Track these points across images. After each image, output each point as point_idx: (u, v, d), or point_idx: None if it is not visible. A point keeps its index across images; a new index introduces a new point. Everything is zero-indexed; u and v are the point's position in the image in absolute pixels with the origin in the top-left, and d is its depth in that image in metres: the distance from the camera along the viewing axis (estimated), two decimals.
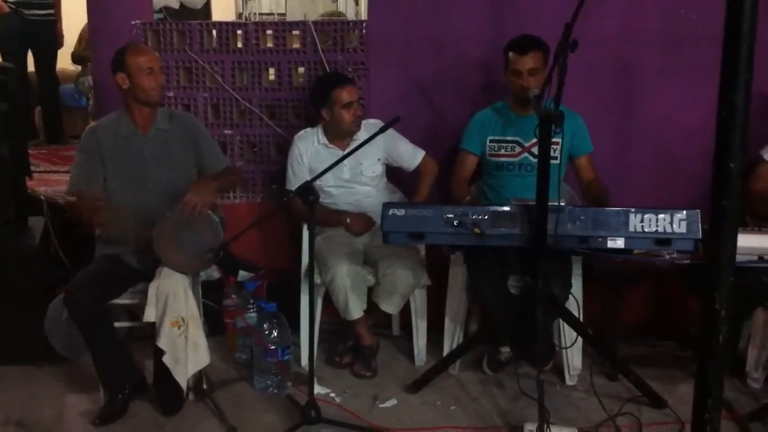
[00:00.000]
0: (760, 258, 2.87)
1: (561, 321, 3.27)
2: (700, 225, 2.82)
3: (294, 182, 3.51)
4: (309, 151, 3.62)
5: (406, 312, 3.61)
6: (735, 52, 1.49)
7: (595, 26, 3.46)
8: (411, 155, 3.65)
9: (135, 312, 3.32)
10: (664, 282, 3.70)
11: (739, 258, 2.78)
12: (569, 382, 3.40)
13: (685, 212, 2.85)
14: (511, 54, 3.37)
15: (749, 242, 2.89)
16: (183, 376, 3.06)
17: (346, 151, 3.24)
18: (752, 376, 3.32)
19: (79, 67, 6.55)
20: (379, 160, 3.63)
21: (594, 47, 3.43)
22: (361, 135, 3.51)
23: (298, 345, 3.51)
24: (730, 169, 1.54)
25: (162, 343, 3.02)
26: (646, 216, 2.91)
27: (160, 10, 4.03)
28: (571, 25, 2.75)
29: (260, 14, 4.44)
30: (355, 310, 3.37)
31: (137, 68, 3.16)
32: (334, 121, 3.54)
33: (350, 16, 4.39)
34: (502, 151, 3.52)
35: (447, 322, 3.53)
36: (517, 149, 3.50)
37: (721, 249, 1.57)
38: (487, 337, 3.49)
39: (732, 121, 1.52)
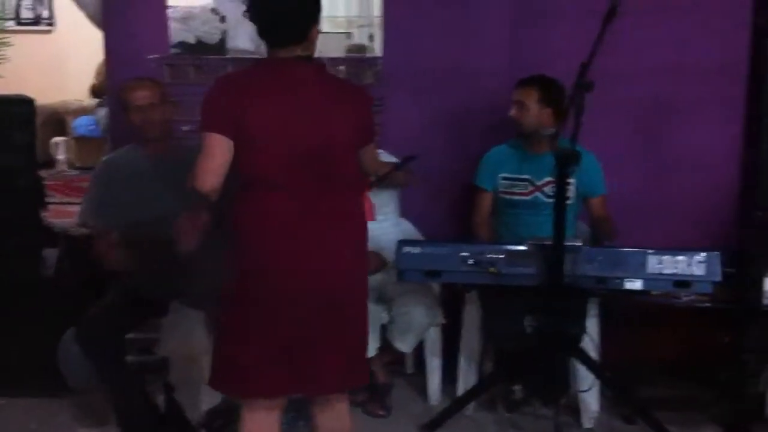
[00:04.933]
0: None
1: (577, 362, 3.22)
2: (719, 267, 2.77)
3: None
4: None
5: (420, 350, 3.57)
6: (759, 94, 1.47)
7: (615, 62, 3.44)
8: None
9: (147, 346, 3.30)
10: (684, 323, 3.65)
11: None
12: (586, 424, 3.34)
13: (704, 254, 2.81)
14: (514, 90, 3.44)
15: None
16: (195, 412, 3.03)
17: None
18: None
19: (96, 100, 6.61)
20: (390, 195, 3.61)
21: (615, 83, 3.41)
22: None
23: None
24: (757, 216, 1.50)
25: (174, 378, 2.99)
26: (665, 257, 2.90)
27: (177, 45, 4.04)
28: (587, 65, 2.75)
29: None
30: (369, 348, 3.32)
31: (129, 105, 3.18)
32: None
33: (369, 52, 4.39)
34: (515, 189, 3.50)
35: (461, 360, 3.49)
36: (530, 188, 3.48)
37: (749, 298, 1.54)
38: (503, 377, 3.44)
39: (758, 167, 1.49)
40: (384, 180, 3.08)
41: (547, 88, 3.36)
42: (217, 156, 2.32)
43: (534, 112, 3.36)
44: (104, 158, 3.49)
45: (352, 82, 2.54)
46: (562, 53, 3.40)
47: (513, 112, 3.40)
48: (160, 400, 3.16)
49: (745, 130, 1.50)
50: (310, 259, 2.37)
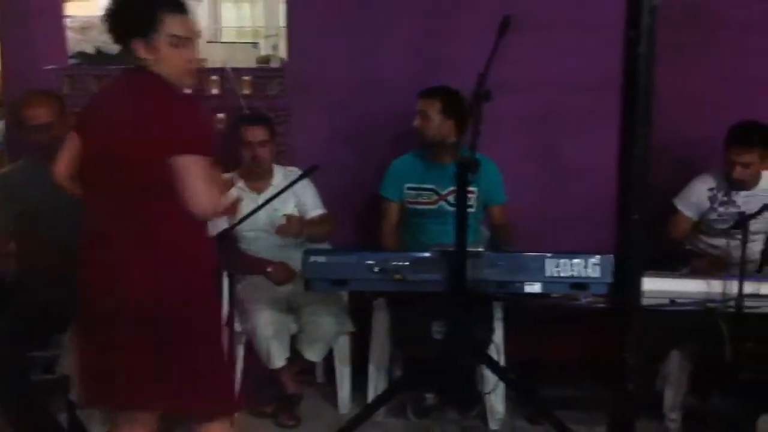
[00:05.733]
0: (672, 301, 2.95)
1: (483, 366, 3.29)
2: (612, 269, 2.88)
3: (212, 229, 3.46)
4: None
5: (330, 359, 3.58)
6: (633, 105, 1.54)
7: (514, 74, 3.54)
8: (312, 207, 3.65)
9: (48, 364, 3.21)
10: (583, 324, 3.77)
11: (652, 301, 2.96)
12: (492, 426, 3.40)
13: (598, 257, 2.94)
14: (418, 102, 3.50)
15: (661, 286, 2.98)
16: (98, 429, 2.96)
17: (264, 198, 3.24)
18: (670, 418, 3.38)
19: None
20: (296, 207, 3.62)
21: (514, 95, 3.50)
22: (279, 181, 3.50)
23: None
24: (633, 220, 1.58)
25: (75, 395, 2.92)
26: (562, 261, 2.99)
27: (75, 55, 3.96)
28: (483, 76, 2.83)
29: None
30: (278, 358, 3.34)
31: (27, 123, 3.12)
32: (240, 160, 3.57)
33: (274, 62, 4.39)
34: (420, 199, 3.57)
35: (371, 368, 3.52)
36: (434, 197, 3.55)
37: (627, 299, 1.61)
38: (411, 383, 3.49)
39: (632, 174, 1.56)
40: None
41: (450, 100, 3.44)
42: (66, 149, 2.47)
43: (436, 122, 3.43)
44: (2, 170, 3.40)
45: (179, 94, 2.35)
46: (465, 65, 3.47)
47: (417, 122, 3.47)
48: (63, 418, 3.09)
49: (620, 139, 1.58)
50: (99, 274, 2.31)
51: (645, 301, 2.96)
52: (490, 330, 3.29)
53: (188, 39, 2.33)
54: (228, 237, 3.09)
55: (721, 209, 3.47)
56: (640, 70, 1.56)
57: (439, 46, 3.79)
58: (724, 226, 3.37)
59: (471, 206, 3.38)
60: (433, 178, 3.53)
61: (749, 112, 3.49)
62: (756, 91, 3.81)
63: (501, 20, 2.89)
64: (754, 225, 2.94)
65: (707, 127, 3.58)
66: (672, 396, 3.37)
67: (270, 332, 3.31)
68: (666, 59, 3.67)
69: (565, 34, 3.62)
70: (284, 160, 3.71)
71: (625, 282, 1.60)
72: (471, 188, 3.30)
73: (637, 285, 1.61)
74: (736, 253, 2.90)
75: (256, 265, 3.53)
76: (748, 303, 2.87)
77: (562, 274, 3.01)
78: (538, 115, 3.77)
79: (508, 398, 3.44)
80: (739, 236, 2.88)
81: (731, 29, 3.78)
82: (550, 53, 3.70)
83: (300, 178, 3.19)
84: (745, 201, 3.39)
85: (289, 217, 3.45)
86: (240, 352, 3.44)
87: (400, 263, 3.05)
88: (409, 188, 3.58)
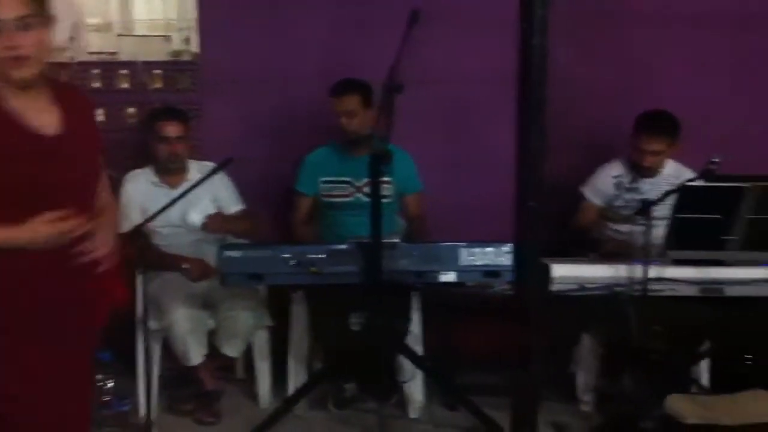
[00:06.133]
0: (581, 287, 3.03)
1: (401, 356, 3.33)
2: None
3: (125, 225, 3.41)
4: (140, 191, 3.52)
5: (249, 354, 3.56)
6: (527, 98, 1.58)
7: (428, 65, 3.58)
8: (231, 203, 3.62)
9: None
10: (498, 312, 3.84)
11: (561, 287, 3.05)
12: (412, 414, 3.45)
13: (510, 245, 2.98)
14: (331, 99, 3.50)
15: (570, 272, 3.07)
16: None
17: (178, 193, 3.20)
18: (583, 400, 3.48)
19: None
20: (212, 202, 3.58)
21: (427, 86, 3.55)
22: (195, 176, 3.46)
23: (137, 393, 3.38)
24: (529, 208, 1.62)
25: None
26: (475, 250, 3.06)
27: None
28: (394, 69, 2.86)
29: (90, 53, 4.30)
30: (195, 355, 3.30)
31: None
32: (156, 156, 3.52)
33: (186, 55, 4.32)
34: (336, 192, 3.58)
35: (291, 361, 3.52)
36: (350, 189, 3.56)
37: (526, 284, 1.66)
38: (330, 375, 3.50)
39: (528, 163, 1.61)
40: None
41: (366, 92, 3.46)
42: None
43: (361, 116, 3.45)
44: None
45: None
46: (376, 58, 3.49)
47: (343, 121, 3.45)
48: None
49: (518, 130, 1.62)
50: None
51: (555, 287, 3.11)
52: (407, 320, 3.32)
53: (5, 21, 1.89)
54: (140, 233, 3.05)
55: (626, 196, 3.59)
56: (534, 62, 1.60)
57: (350, 38, 3.81)
58: (629, 212, 3.48)
59: (387, 196, 3.41)
60: (349, 171, 3.54)
61: (655, 102, 3.62)
62: (662, 82, 3.95)
63: (410, 13, 2.91)
64: (657, 211, 3.04)
65: (615, 116, 3.69)
66: (584, 379, 3.48)
67: (186, 329, 3.27)
68: (576, 51, 3.82)
69: (473, 27, 3.68)
70: (197, 155, 3.66)
71: (523, 268, 1.65)
72: (386, 178, 3.33)
73: (535, 271, 1.66)
74: (641, 239, 2.99)
75: (171, 262, 3.48)
76: (652, 286, 2.98)
77: (475, 263, 3.08)
78: (449, 107, 3.83)
79: (428, 386, 3.49)
80: (643, 222, 2.98)
81: (639, 21, 3.91)
82: (459, 46, 3.76)
83: (214, 171, 3.16)
84: (650, 188, 3.51)
85: (212, 215, 3.44)
86: (156, 350, 3.39)
87: (317, 256, 3.06)
88: (325, 182, 3.58)
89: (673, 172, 3.55)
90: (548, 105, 3.55)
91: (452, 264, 3.06)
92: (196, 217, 3.46)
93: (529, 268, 1.65)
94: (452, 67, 3.77)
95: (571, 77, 3.70)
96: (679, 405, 2.83)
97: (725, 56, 4.00)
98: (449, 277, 3.09)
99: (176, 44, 4.30)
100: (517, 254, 1.67)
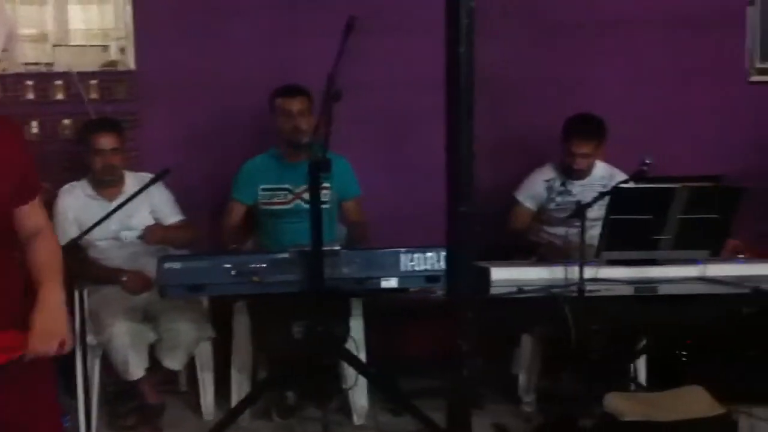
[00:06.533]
0: (519, 289, 3.08)
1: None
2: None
3: (61, 239, 3.34)
4: (76, 204, 3.47)
5: (192, 366, 3.53)
6: (455, 105, 1.61)
7: (365, 72, 3.61)
8: (170, 214, 3.59)
9: None
10: (439, 316, 3.88)
11: (500, 290, 3.09)
12: (357, 421, 3.45)
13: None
14: (279, 99, 3.48)
15: (509, 275, 3.12)
16: None
17: (115, 205, 3.16)
18: (525, 400, 3.53)
19: None
20: (150, 213, 3.54)
21: (364, 92, 3.58)
22: (132, 188, 3.42)
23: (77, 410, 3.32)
24: (460, 212, 1.65)
25: None
26: (416, 255, 3.08)
27: None
28: (332, 76, 2.87)
29: (25, 64, 4.23)
30: (136, 369, 3.26)
31: None
32: (91, 168, 3.47)
33: (123, 65, 4.27)
34: (275, 199, 3.57)
35: (234, 372, 3.49)
36: (290, 196, 3.56)
37: (458, 288, 1.68)
38: (273, 384, 3.49)
39: (458, 169, 1.63)
40: None
41: (310, 97, 3.46)
42: None
43: (309, 119, 3.43)
44: None
45: None
46: (313, 66, 3.51)
47: (296, 121, 3.43)
48: None
49: (447, 136, 1.65)
50: None
51: (494, 290, 3.14)
52: (347, 327, 3.32)
53: None
54: (77, 247, 3.01)
55: (558, 199, 3.66)
56: (460, 69, 1.63)
57: (286, 46, 3.82)
58: (563, 215, 3.55)
59: (326, 202, 3.41)
60: (289, 178, 3.53)
61: (586, 106, 3.70)
62: (593, 86, 4.05)
63: (346, 21, 2.94)
64: (591, 213, 3.11)
65: (552, 121, 3.76)
66: (526, 379, 3.53)
67: (126, 343, 3.22)
68: (510, 57, 3.88)
69: (409, 33, 3.72)
70: (136, 165, 3.62)
71: (454, 272, 1.67)
72: (325, 184, 3.33)
73: (467, 274, 1.68)
74: (576, 240, 3.05)
75: (109, 275, 3.43)
76: (588, 287, 3.03)
77: (416, 269, 3.10)
78: (386, 113, 3.86)
79: (372, 392, 3.49)
80: (578, 224, 3.04)
81: (571, 27, 4.01)
82: (394, 52, 3.80)
83: (151, 182, 3.13)
84: (581, 190, 3.59)
85: (150, 226, 3.40)
86: (96, 365, 3.34)
87: (258, 265, 3.04)
88: (264, 189, 3.57)
89: (605, 174, 3.65)
90: (487, 111, 3.64)
91: (393, 270, 3.07)
92: (134, 230, 3.43)
93: (461, 271, 1.67)
94: (388, 74, 3.80)
95: (506, 83, 3.80)
96: (617, 403, 2.88)
97: (656, 60, 4.12)
98: (391, 283, 3.10)
99: (113, 54, 4.25)
100: (449, 258, 1.69)
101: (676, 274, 3.19)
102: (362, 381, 3.37)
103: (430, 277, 3.10)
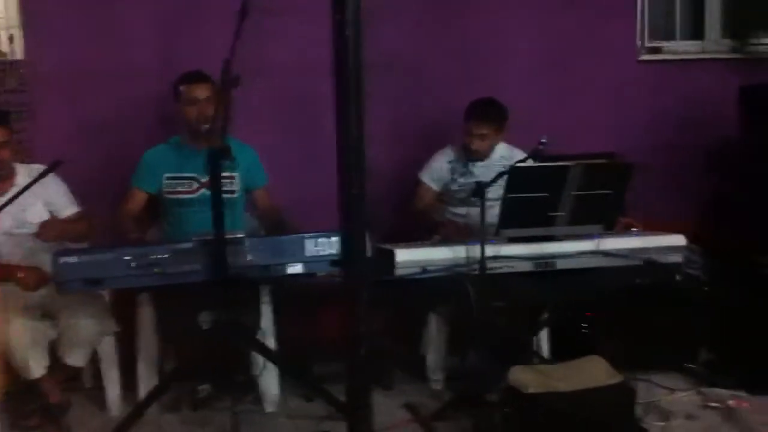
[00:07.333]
0: (424, 269, 3.12)
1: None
2: (369, 244, 3.01)
3: None
4: None
5: (97, 362, 3.45)
6: (344, 88, 1.61)
7: (263, 57, 3.56)
8: (64, 206, 3.49)
9: None
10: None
11: (405, 271, 3.13)
12: (268, 408, 3.44)
13: None
14: (183, 87, 3.42)
15: (413, 256, 3.16)
16: None
17: (5, 200, 3.04)
18: (433, 378, 3.60)
19: None
20: (44, 206, 3.43)
21: (263, 78, 3.53)
22: (24, 181, 3.30)
23: None
24: (352, 195, 1.66)
25: None
26: (320, 240, 3.07)
27: None
28: (229, 61, 2.83)
29: None
30: (37, 367, 3.15)
31: None
32: None
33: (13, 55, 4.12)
34: (180, 188, 3.51)
35: (140, 366, 3.44)
36: (195, 185, 3.50)
37: (353, 270, 1.69)
38: (181, 376, 3.44)
39: (349, 152, 1.64)
40: None
41: (214, 83, 3.38)
42: None
43: (214, 106, 3.33)
44: None
45: None
46: (208, 53, 3.46)
47: (201, 107, 3.37)
48: None
49: (337, 120, 1.66)
50: None
51: (399, 272, 3.18)
52: (258, 314, 3.31)
53: None
54: None
55: (460, 180, 3.73)
56: (348, 52, 1.63)
57: (180, 33, 3.78)
58: (464, 195, 3.63)
59: (233, 192, 3.40)
60: (193, 166, 3.46)
61: (490, 90, 3.77)
62: (497, 69, 4.13)
63: (240, 6, 2.89)
64: (492, 192, 3.18)
65: (456, 104, 3.81)
66: (434, 358, 3.59)
67: (25, 341, 3.11)
68: (416, 40, 3.91)
69: (304, 16, 3.69)
70: (28, 158, 3.49)
71: (348, 254, 1.68)
72: (232, 173, 3.30)
73: (359, 256, 1.69)
74: (477, 220, 3.12)
75: (4, 272, 3.31)
76: (490, 265, 3.10)
77: (322, 253, 3.09)
78: (285, 98, 3.84)
79: (283, 379, 3.49)
80: (478, 204, 3.10)
81: (477, 9, 4.07)
82: (291, 37, 3.78)
83: (43, 174, 3.03)
84: (482, 171, 3.67)
85: (45, 222, 3.29)
86: None
87: (160, 256, 2.99)
88: (168, 178, 3.50)
89: (505, 154, 3.73)
90: (392, 94, 3.66)
91: (299, 255, 3.06)
92: (29, 224, 3.31)
93: (353, 254, 1.69)
94: (287, 58, 3.78)
95: (412, 66, 3.83)
96: (520, 376, 2.96)
97: (552, 40, 4.22)
98: (296, 268, 3.09)
99: (1, 44, 4.10)
100: (343, 241, 1.70)
101: (572, 248, 3.30)
102: (272, 368, 3.37)
103: (336, 261, 3.10)
